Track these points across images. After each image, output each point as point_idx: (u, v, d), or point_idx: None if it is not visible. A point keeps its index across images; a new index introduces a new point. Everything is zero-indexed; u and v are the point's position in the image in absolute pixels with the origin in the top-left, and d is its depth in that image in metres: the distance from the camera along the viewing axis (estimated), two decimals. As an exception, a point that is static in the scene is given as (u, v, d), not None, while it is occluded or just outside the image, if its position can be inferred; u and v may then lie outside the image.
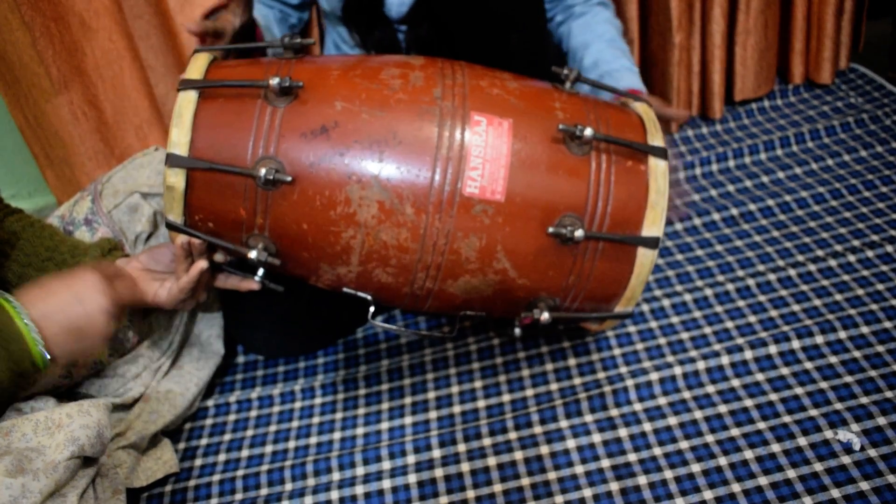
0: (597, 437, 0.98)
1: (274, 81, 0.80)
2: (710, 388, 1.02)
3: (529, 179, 0.83)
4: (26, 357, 0.74)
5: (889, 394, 0.97)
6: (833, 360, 1.03)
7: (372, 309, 0.90)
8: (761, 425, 0.96)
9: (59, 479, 0.72)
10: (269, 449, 1.05)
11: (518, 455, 0.97)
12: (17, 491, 0.69)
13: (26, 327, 0.74)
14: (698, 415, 0.99)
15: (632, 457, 0.95)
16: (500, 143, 0.82)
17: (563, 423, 1.00)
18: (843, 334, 1.05)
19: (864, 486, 0.87)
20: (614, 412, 1.01)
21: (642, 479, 0.93)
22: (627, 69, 1.09)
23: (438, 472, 0.97)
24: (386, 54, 1.06)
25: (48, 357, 0.75)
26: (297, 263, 0.87)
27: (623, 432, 0.98)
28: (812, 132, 1.48)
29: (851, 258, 1.18)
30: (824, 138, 1.47)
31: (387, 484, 0.96)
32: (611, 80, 1.07)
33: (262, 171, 0.79)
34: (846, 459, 0.91)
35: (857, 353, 1.03)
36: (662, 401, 1.01)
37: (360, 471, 0.98)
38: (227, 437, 1.08)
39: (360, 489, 0.95)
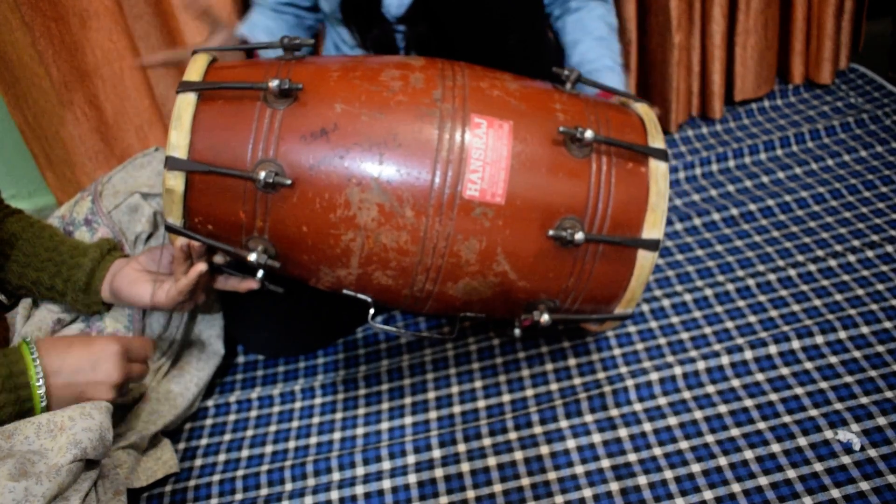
0: (597, 437, 0.98)
1: (273, 83, 0.80)
2: (710, 388, 1.02)
3: (530, 182, 0.83)
4: (28, 404, 0.79)
5: (889, 394, 0.97)
6: (833, 360, 1.03)
7: (372, 311, 0.90)
8: (761, 425, 0.96)
9: (62, 483, 0.73)
10: (269, 449, 1.05)
11: (518, 455, 0.98)
12: (20, 495, 0.69)
13: (36, 379, 0.79)
14: (698, 415, 0.99)
15: (632, 457, 0.96)
16: (501, 146, 0.82)
17: (563, 423, 1.00)
18: (843, 334, 1.05)
19: (864, 486, 0.88)
20: (614, 412, 1.01)
21: (642, 479, 0.93)
22: (609, 69, 1.09)
23: (438, 472, 0.97)
24: (385, 55, 1.06)
25: (46, 409, 0.80)
26: (297, 266, 0.87)
27: (623, 432, 0.98)
28: (812, 132, 1.48)
29: (851, 258, 1.18)
30: (824, 138, 1.47)
31: (387, 484, 0.96)
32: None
33: (262, 174, 0.79)
34: (846, 459, 0.91)
35: (857, 353, 1.03)
36: (662, 401, 1.01)
37: (360, 471, 0.98)
38: (227, 437, 1.08)
39: (360, 489, 0.96)
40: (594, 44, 1.12)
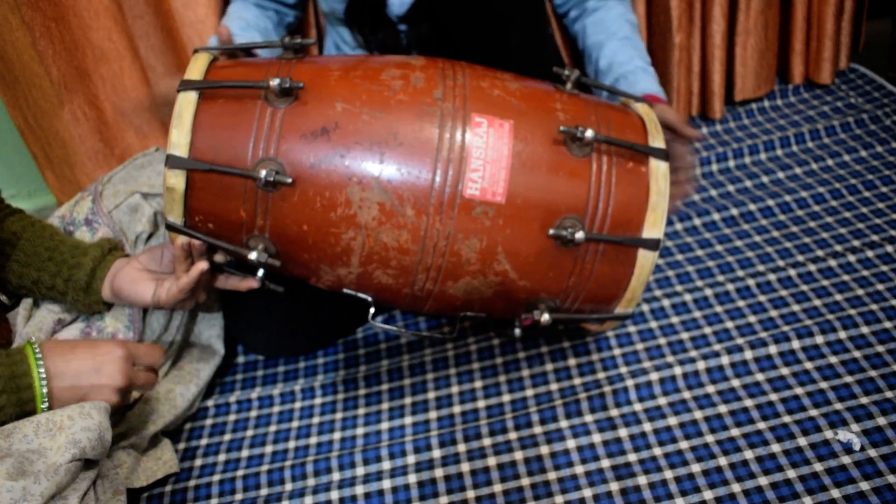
0: (597, 437, 0.98)
1: (274, 82, 0.80)
2: (710, 388, 1.02)
3: (530, 181, 0.83)
4: (30, 405, 0.79)
5: (889, 394, 0.97)
6: (833, 360, 1.03)
7: (372, 310, 0.90)
8: (761, 425, 0.96)
9: (61, 482, 0.73)
10: (269, 449, 1.05)
11: (518, 455, 0.98)
12: (18, 494, 0.69)
13: (39, 381, 0.79)
14: (698, 415, 0.99)
15: (632, 457, 0.95)
16: (501, 145, 0.82)
17: (563, 423, 1.00)
18: (843, 334, 1.05)
19: (864, 486, 0.88)
20: (614, 412, 1.01)
21: (642, 479, 0.93)
22: (643, 70, 1.07)
23: (438, 472, 0.97)
24: (387, 55, 1.06)
25: (46, 409, 0.80)
26: (298, 264, 0.87)
27: (623, 432, 0.98)
28: (812, 132, 1.48)
29: (851, 258, 1.18)
30: (824, 138, 1.47)
31: (387, 484, 0.96)
32: (625, 82, 1.05)
33: (263, 173, 0.79)
34: (846, 459, 0.91)
35: (857, 353, 1.03)
36: (662, 401, 1.01)
37: (360, 471, 0.98)
38: (227, 437, 1.08)
39: (360, 489, 0.96)
40: (621, 44, 1.10)
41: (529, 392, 1.07)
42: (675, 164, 1.02)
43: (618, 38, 1.10)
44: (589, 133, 0.82)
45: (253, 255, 0.83)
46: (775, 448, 0.93)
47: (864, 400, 0.97)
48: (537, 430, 1.00)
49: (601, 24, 1.12)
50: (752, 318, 1.12)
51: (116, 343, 0.85)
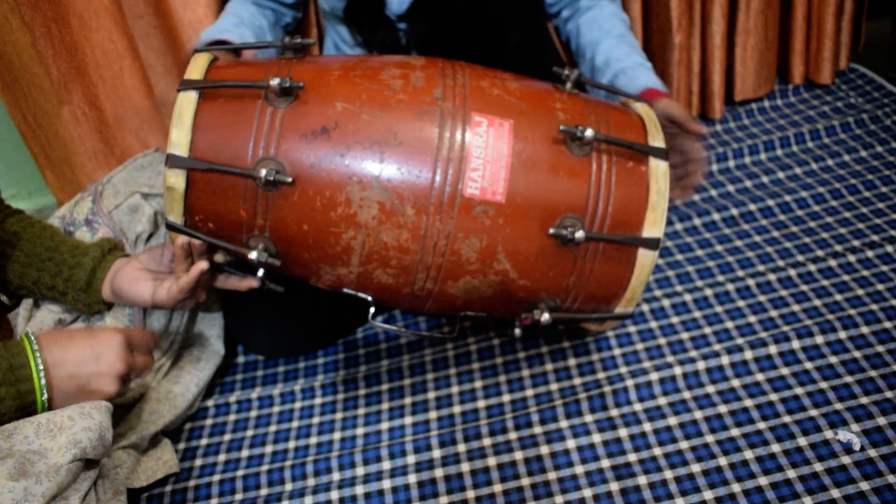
0: (597, 437, 0.98)
1: (274, 82, 0.80)
2: (710, 388, 1.02)
3: (530, 180, 0.83)
4: (31, 399, 0.78)
5: (889, 394, 0.97)
6: (833, 360, 1.03)
7: (372, 310, 0.90)
8: (761, 425, 0.96)
9: (62, 482, 0.73)
10: (269, 449, 1.05)
11: (518, 455, 0.98)
12: (19, 494, 0.69)
13: (37, 372, 0.77)
14: (698, 415, 0.99)
15: (632, 457, 0.95)
16: (501, 144, 0.82)
17: (563, 423, 1.00)
18: (843, 334, 1.05)
19: (864, 486, 0.88)
20: (614, 412, 1.01)
21: (642, 480, 0.93)
22: (641, 65, 1.07)
23: (438, 473, 0.97)
24: (387, 54, 1.06)
25: (47, 405, 0.79)
26: (298, 264, 0.87)
27: (623, 432, 0.98)
28: (812, 132, 1.48)
29: (851, 258, 1.18)
30: (824, 138, 1.47)
31: (387, 484, 0.96)
32: (625, 78, 1.05)
33: (263, 172, 0.79)
34: (846, 459, 0.91)
35: (857, 353, 1.03)
36: (662, 401, 1.01)
37: (360, 471, 0.98)
38: (227, 437, 1.08)
39: (360, 489, 0.96)
40: (616, 42, 1.10)
41: (529, 392, 1.07)
42: (684, 158, 1.02)
43: (613, 35, 1.10)
44: (589, 132, 0.82)
45: (253, 255, 0.83)
46: (775, 448, 0.93)
47: (864, 400, 0.97)
48: (537, 430, 1.00)
49: (595, 23, 1.12)
50: (752, 318, 1.11)
51: (113, 330, 0.84)
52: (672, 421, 0.99)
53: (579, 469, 0.95)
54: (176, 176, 0.81)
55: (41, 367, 0.78)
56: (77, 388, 0.80)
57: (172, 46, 1.33)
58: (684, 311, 1.15)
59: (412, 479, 0.97)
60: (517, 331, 0.89)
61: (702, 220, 1.32)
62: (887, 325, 1.06)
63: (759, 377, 1.02)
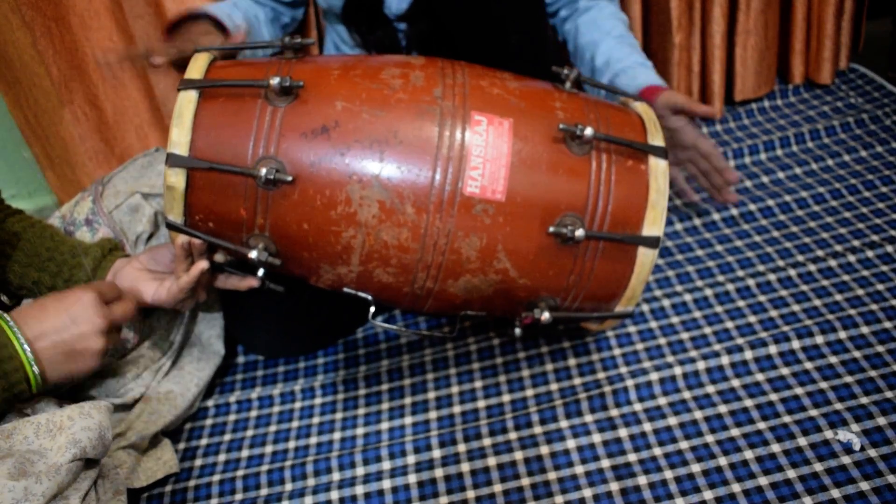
0: (597, 437, 0.98)
1: (274, 81, 0.80)
2: (710, 388, 1.02)
3: (530, 179, 0.83)
4: (21, 377, 0.77)
5: (889, 394, 0.97)
6: (833, 360, 1.03)
7: (372, 309, 0.90)
8: (761, 425, 0.96)
9: (62, 482, 0.72)
10: (269, 449, 1.05)
11: (518, 455, 0.97)
12: (19, 494, 0.69)
13: (21, 347, 0.76)
14: (698, 415, 0.99)
15: (632, 457, 0.95)
16: (501, 143, 0.82)
17: (563, 423, 1.00)
18: (843, 334, 1.05)
19: (864, 486, 0.87)
20: (614, 412, 1.01)
21: (642, 480, 0.93)
22: (641, 65, 1.07)
23: (438, 473, 0.97)
24: (386, 54, 1.06)
25: (41, 378, 0.77)
26: (298, 263, 0.87)
27: (623, 432, 0.98)
28: (812, 132, 1.48)
29: (851, 258, 1.18)
30: (824, 138, 1.47)
31: (387, 484, 0.96)
32: (625, 77, 1.05)
33: (263, 171, 0.79)
34: (846, 459, 0.91)
35: (857, 353, 1.03)
36: (662, 401, 1.01)
37: (360, 471, 0.98)
38: (227, 437, 1.08)
39: (360, 489, 0.96)
40: (616, 42, 1.10)
41: (529, 392, 1.07)
42: (694, 151, 1.03)
43: (613, 36, 1.10)
44: (588, 131, 0.83)
45: (253, 254, 0.83)
46: (775, 448, 0.93)
47: (864, 400, 0.97)
48: (537, 430, 1.00)
49: (594, 23, 1.12)
50: (752, 318, 1.11)
51: (81, 289, 0.82)
52: (672, 421, 0.99)
53: (579, 469, 0.95)
54: (176, 175, 0.81)
55: (25, 344, 0.76)
56: (65, 354, 0.79)
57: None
58: (684, 311, 1.15)
59: (412, 479, 0.97)
60: (517, 330, 0.89)
61: (702, 220, 1.33)
62: (887, 325, 1.06)
63: (759, 377, 1.02)
